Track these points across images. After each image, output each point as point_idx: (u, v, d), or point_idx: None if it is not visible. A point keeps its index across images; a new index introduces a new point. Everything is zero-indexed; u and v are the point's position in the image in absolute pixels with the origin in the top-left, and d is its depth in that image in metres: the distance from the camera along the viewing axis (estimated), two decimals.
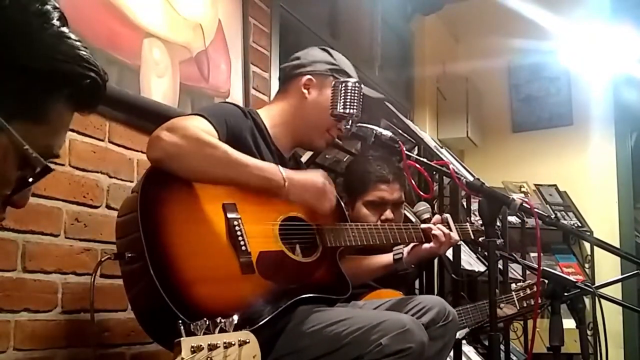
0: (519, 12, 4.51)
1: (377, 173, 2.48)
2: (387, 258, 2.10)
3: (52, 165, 0.84)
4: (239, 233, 1.64)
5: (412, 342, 1.61)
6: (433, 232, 1.99)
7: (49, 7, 0.83)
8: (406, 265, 2.09)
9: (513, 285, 2.69)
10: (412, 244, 2.06)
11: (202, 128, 1.66)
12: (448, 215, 2.10)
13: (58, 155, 0.87)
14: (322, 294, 1.78)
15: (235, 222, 1.64)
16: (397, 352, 1.59)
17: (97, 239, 1.98)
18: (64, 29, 0.83)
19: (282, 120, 1.96)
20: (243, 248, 1.63)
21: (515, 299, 2.62)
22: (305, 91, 1.96)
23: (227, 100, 2.57)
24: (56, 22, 0.82)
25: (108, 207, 2.03)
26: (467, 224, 2.14)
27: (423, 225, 2.02)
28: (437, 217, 2.08)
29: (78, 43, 0.84)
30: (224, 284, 1.58)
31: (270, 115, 1.96)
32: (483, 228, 2.09)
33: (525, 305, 2.64)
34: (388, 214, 2.45)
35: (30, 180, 0.84)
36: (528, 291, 2.59)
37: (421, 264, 2.93)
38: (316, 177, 1.80)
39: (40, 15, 0.81)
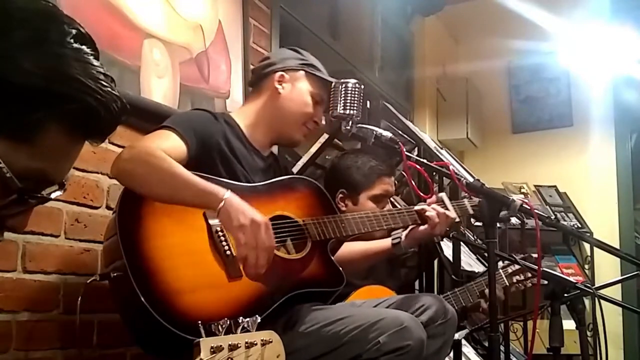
0: (518, 13, 4.51)
1: (379, 167, 2.56)
2: (385, 243, 2.09)
3: (30, 199, 0.77)
4: (222, 238, 1.64)
5: (410, 339, 1.61)
6: (427, 213, 1.99)
7: (64, 25, 0.78)
8: (405, 249, 2.08)
9: (500, 264, 2.64)
10: (409, 228, 2.05)
11: (164, 146, 1.64)
12: (443, 194, 2.08)
13: (53, 182, 0.81)
14: (315, 286, 1.78)
15: (218, 228, 1.64)
16: (396, 350, 1.59)
17: (97, 240, 1.98)
18: (80, 49, 0.78)
19: (257, 119, 1.98)
20: (227, 253, 1.63)
21: (503, 275, 2.60)
22: (279, 86, 1.98)
23: (226, 100, 2.58)
24: (69, 40, 0.78)
25: (108, 207, 2.03)
26: (465, 199, 2.13)
27: (416, 207, 2.01)
28: (432, 198, 2.08)
29: (90, 66, 0.79)
30: (211, 291, 1.58)
31: (244, 116, 1.98)
32: (477, 201, 2.09)
33: (515, 281, 2.62)
34: (389, 206, 2.55)
35: (6, 206, 0.77)
36: (515, 266, 2.57)
37: (421, 265, 2.93)
38: (259, 214, 1.59)
39: (50, 31, 0.77)
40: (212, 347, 1.00)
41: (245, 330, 1.06)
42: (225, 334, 1.03)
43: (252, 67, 2.20)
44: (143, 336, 1.60)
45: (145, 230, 1.57)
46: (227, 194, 1.56)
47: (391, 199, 3.09)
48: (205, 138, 1.77)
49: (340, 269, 1.87)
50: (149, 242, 1.56)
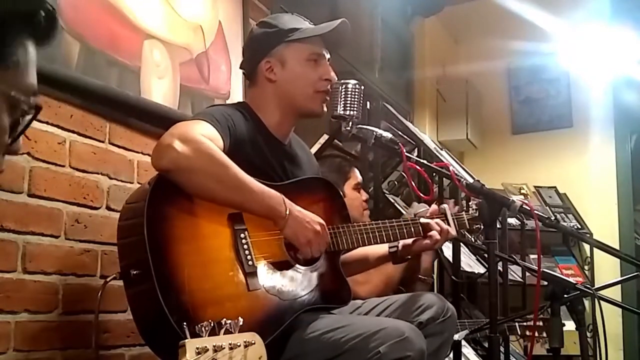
0: (518, 14, 4.51)
1: (345, 162, 2.78)
2: (382, 249, 2.07)
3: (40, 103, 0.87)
4: (245, 246, 1.62)
5: (411, 350, 1.59)
6: (430, 229, 1.95)
7: None
8: (401, 257, 2.07)
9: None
10: (410, 240, 2.01)
11: (210, 137, 1.63)
12: (446, 206, 2.06)
13: (37, 92, 0.89)
14: (324, 302, 1.76)
15: (242, 235, 1.63)
16: None
17: (98, 240, 1.98)
18: None
19: (270, 110, 1.90)
20: (250, 263, 1.61)
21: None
22: (271, 74, 1.89)
23: (227, 101, 2.58)
24: None
25: (108, 208, 2.03)
26: (463, 212, 2.11)
27: (423, 220, 1.98)
28: (434, 207, 2.05)
29: None
30: (231, 304, 1.56)
31: (258, 108, 1.91)
32: (478, 213, 2.08)
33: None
34: (364, 194, 2.69)
35: (26, 123, 0.87)
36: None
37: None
38: (316, 218, 1.74)
39: None
40: (197, 348, 1.03)
41: (228, 332, 1.08)
42: (209, 335, 1.06)
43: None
44: (155, 340, 1.57)
45: (173, 233, 1.54)
46: (288, 208, 1.68)
47: (391, 199, 3.10)
48: (239, 138, 1.75)
49: (349, 284, 1.86)
50: (176, 247, 1.53)
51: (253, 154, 1.79)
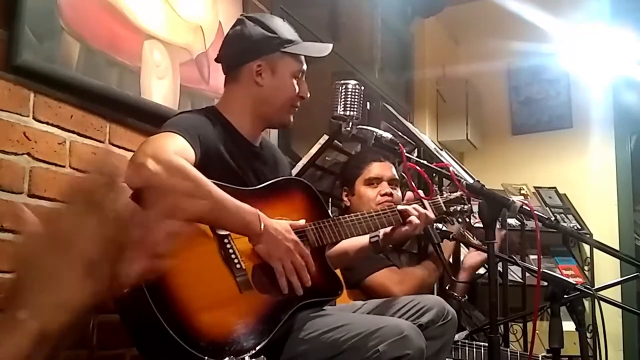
0: (518, 15, 4.51)
1: (369, 155, 2.68)
2: (362, 241, 2.07)
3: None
4: (231, 251, 1.63)
5: (410, 348, 1.60)
6: (409, 215, 1.97)
7: None
8: (382, 247, 2.08)
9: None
10: (390, 227, 2.02)
11: (182, 149, 1.62)
12: (419, 192, 2.07)
13: None
14: (317, 297, 1.77)
15: (226, 240, 1.63)
16: (395, 359, 1.59)
17: None
18: None
19: (243, 111, 1.90)
20: (238, 266, 1.61)
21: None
22: (259, 79, 1.87)
23: None
24: None
25: None
26: (438, 196, 2.12)
27: (399, 207, 2.00)
28: (409, 194, 2.07)
29: None
30: (225, 307, 1.56)
31: (230, 109, 1.90)
32: (452, 196, 2.10)
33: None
34: (385, 186, 2.58)
35: None
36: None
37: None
38: (288, 233, 1.72)
39: None
40: None
41: None
42: None
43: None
44: (152, 350, 1.57)
45: None
46: (262, 224, 1.64)
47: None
48: (209, 144, 1.74)
49: (339, 275, 1.86)
50: None
51: (225, 158, 1.78)
